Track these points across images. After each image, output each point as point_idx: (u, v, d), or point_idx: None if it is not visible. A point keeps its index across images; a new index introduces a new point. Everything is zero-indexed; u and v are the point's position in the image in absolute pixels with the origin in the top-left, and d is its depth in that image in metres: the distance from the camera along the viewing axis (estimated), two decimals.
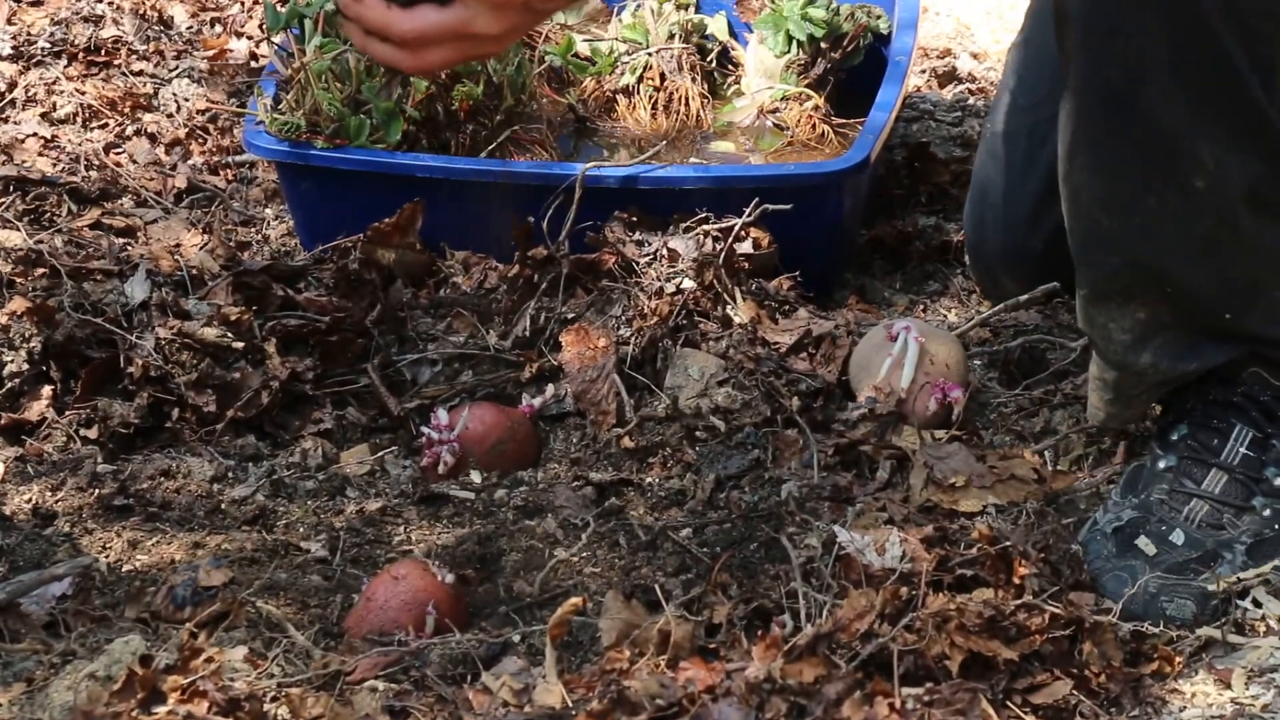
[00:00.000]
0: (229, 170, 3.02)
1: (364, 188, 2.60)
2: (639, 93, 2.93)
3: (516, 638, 1.85)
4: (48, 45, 3.18)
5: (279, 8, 2.76)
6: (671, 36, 2.94)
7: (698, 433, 2.23)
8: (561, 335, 2.38)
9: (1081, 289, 1.93)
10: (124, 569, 2.01)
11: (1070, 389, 2.30)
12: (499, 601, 1.95)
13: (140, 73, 3.19)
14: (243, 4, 3.45)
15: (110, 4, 3.31)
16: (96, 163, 2.95)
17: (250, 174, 3.00)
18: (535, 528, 2.07)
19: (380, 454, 2.29)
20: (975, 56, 3.35)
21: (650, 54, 2.93)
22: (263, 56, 3.26)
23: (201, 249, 2.66)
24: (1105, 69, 1.80)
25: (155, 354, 2.29)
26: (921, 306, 2.67)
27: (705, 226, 2.47)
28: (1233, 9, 1.75)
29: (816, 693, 1.59)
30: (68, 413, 2.30)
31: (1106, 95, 1.81)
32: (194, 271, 2.49)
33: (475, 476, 2.19)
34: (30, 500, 2.16)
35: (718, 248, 2.45)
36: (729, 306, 2.41)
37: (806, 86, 2.88)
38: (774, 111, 2.87)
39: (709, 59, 2.99)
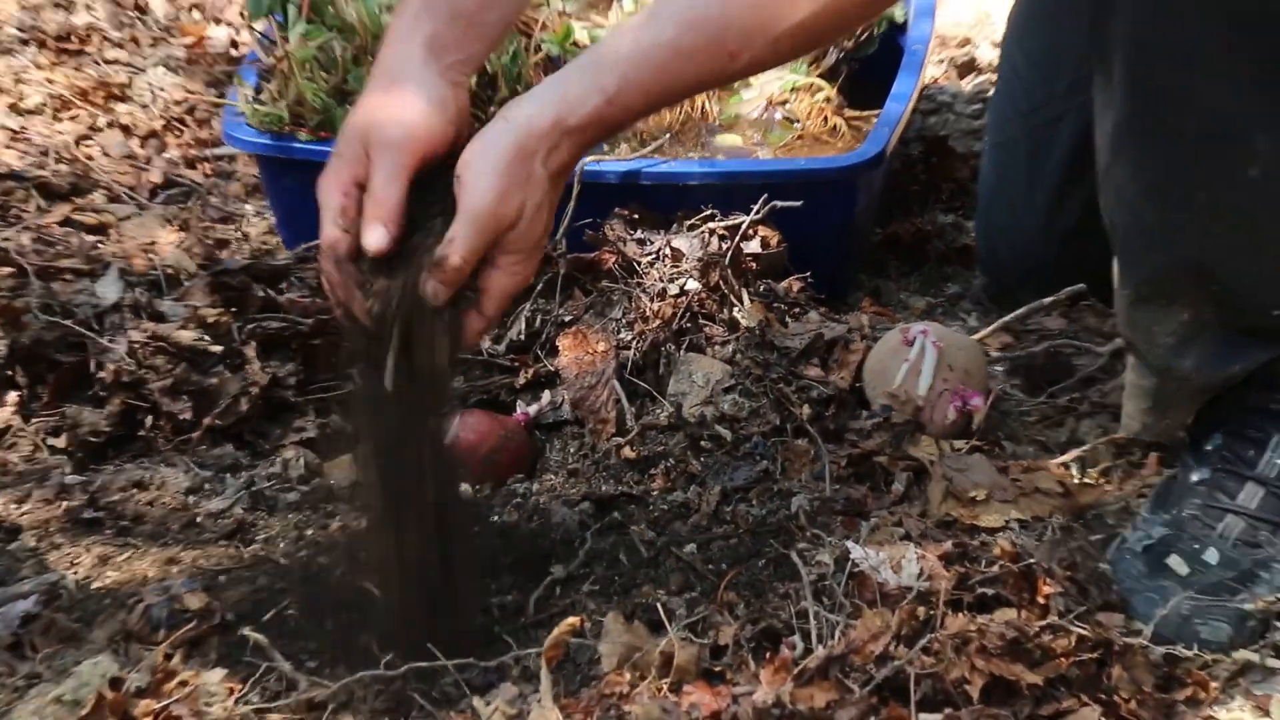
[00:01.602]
0: (207, 164, 3.09)
1: None
2: None
3: (510, 660, 1.82)
4: (16, 31, 3.38)
5: None
6: None
7: (703, 442, 2.21)
8: (558, 339, 2.37)
9: (1124, 290, 1.91)
10: (93, 586, 2.00)
11: (1098, 396, 2.30)
12: (492, 622, 1.92)
13: (114, 61, 3.38)
14: None
15: None
16: (67, 156, 3.01)
17: (229, 168, 3.08)
18: (530, 543, 2.04)
19: None
20: (996, 45, 3.41)
21: None
22: (243, 44, 3.36)
23: (177, 247, 2.71)
24: (1155, 56, 1.77)
25: (128, 358, 2.28)
26: (940, 309, 2.68)
27: (710, 224, 2.47)
28: None
29: (828, 719, 1.58)
30: (35, 420, 2.31)
31: (1156, 84, 1.78)
32: (169, 271, 2.54)
33: (466, 489, 2.15)
34: None
35: (724, 247, 2.44)
36: (735, 309, 2.40)
37: (818, 77, 2.92)
38: (783, 103, 2.88)
39: None
